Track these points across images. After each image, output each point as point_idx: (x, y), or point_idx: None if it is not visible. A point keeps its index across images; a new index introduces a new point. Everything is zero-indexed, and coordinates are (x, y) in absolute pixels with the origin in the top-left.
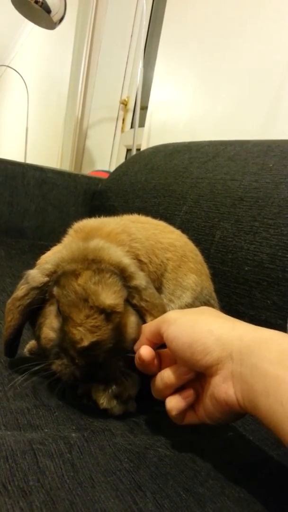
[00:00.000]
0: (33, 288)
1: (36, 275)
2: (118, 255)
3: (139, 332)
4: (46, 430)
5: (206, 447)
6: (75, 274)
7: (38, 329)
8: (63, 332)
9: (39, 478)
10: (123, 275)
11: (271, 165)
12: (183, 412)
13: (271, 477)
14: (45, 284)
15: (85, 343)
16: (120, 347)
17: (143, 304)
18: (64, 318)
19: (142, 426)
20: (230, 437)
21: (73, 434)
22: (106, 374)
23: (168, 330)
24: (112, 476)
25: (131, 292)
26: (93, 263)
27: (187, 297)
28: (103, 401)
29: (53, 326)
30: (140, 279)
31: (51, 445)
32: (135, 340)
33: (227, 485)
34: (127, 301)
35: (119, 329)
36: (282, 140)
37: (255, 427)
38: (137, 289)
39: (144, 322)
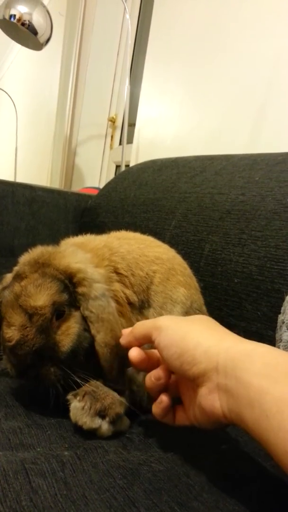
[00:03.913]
0: (3, 288)
1: (8, 276)
2: (69, 261)
3: (78, 343)
4: (39, 449)
5: (200, 461)
6: (21, 277)
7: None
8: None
9: (32, 497)
10: (72, 280)
11: (257, 179)
12: (165, 416)
13: (265, 489)
14: None
15: (12, 342)
16: (52, 354)
17: (86, 313)
18: (2, 318)
19: (135, 442)
20: (223, 450)
21: (66, 452)
22: (37, 375)
23: (159, 338)
24: (106, 493)
25: (79, 299)
26: (42, 266)
27: (177, 311)
28: (86, 419)
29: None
30: (90, 288)
31: (43, 464)
32: (72, 351)
33: (221, 498)
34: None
35: (51, 334)
36: (268, 154)
37: (248, 438)
38: (84, 297)
39: (90, 333)
